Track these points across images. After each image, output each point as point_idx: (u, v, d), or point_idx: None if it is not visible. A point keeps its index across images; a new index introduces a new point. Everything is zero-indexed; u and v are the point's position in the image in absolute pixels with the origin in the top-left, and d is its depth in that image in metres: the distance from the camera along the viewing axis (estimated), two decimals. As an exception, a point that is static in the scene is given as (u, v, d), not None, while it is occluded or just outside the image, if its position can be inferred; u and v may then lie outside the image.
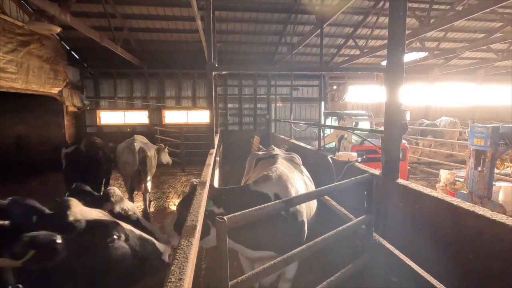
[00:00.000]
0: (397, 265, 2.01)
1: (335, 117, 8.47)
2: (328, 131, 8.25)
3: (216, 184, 4.52)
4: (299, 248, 1.67)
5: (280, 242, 1.93)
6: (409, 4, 7.75)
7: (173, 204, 6.93)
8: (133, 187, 5.73)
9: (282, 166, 2.86)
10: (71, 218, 1.58)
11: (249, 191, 2.41)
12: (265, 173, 2.62)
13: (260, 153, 3.85)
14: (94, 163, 4.80)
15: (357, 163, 3.40)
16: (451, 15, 7.06)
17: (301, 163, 3.54)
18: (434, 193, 2.16)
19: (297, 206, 2.38)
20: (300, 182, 2.89)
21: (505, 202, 5.26)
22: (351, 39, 10.87)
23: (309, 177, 3.38)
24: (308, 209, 2.71)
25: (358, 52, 11.06)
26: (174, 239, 2.22)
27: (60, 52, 9.67)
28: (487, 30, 10.63)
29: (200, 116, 12.84)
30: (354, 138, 7.04)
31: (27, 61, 7.92)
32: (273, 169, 2.70)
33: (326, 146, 7.89)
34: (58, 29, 6.34)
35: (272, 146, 4.23)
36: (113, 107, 12.22)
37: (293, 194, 2.42)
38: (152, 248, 1.76)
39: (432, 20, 7.49)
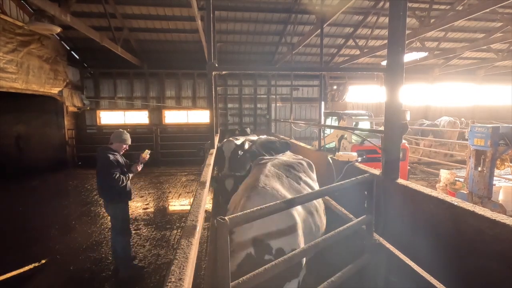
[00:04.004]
0: (397, 265, 2.01)
1: (335, 117, 8.46)
2: (328, 131, 8.25)
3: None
4: (300, 248, 1.67)
5: None
6: (409, 4, 7.76)
7: (173, 204, 6.93)
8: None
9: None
10: None
11: None
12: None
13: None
14: None
15: (357, 163, 3.40)
16: (451, 15, 7.06)
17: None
18: (434, 193, 2.16)
19: None
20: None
21: (505, 202, 5.26)
22: (351, 39, 10.88)
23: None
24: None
25: (358, 52, 11.07)
26: None
27: (60, 52, 9.67)
28: (487, 30, 10.64)
29: (200, 116, 12.85)
30: (354, 138, 7.03)
31: (27, 61, 7.92)
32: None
33: (326, 146, 7.89)
34: (58, 29, 6.34)
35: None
36: (113, 107, 12.22)
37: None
38: None
39: (432, 20, 7.49)
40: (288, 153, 3.65)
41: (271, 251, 1.85)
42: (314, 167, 3.20)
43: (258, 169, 2.66)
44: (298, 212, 2.17)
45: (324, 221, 2.64)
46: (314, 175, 3.11)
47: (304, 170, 2.93)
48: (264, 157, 3.24)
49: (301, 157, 3.37)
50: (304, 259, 2.08)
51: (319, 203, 2.61)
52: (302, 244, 2.05)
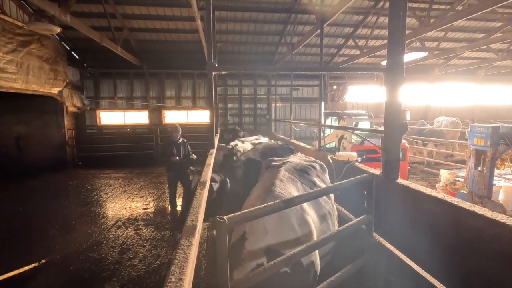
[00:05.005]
0: (397, 265, 2.01)
1: (335, 117, 8.46)
2: (328, 131, 8.25)
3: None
4: (300, 248, 1.66)
5: None
6: (409, 4, 7.75)
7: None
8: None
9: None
10: None
11: None
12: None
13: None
14: None
15: (357, 163, 3.40)
16: (451, 15, 7.06)
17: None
18: (434, 193, 2.16)
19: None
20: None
21: (505, 202, 5.26)
22: (351, 39, 10.87)
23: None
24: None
25: (358, 52, 11.06)
26: None
27: (60, 52, 9.67)
28: (487, 30, 10.63)
29: (200, 116, 12.85)
30: (354, 138, 7.03)
31: (27, 61, 7.92)
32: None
33: (326, 146, 7.89)
34: (58, 29, 6.34)
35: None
36: (113, 107, 12.22)
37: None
38: None
39: (432, 20, 7.49)
40: (299, 154, 3.47)
41: (288, 263, 1.64)
42: (327, 169, 3.08)
43: (271, 172, 2.58)
44: (313, 219, 2.07)
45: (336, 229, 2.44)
46: (327, 178, 2.96)
47: (318, 174, 2.82)
48: (275, 158, 3.08)
49: (313, 159, 3.21)
50: (319, 269, 1.96)
51: (332, 209, 2.48)
52: (317, 254, 1.92)
